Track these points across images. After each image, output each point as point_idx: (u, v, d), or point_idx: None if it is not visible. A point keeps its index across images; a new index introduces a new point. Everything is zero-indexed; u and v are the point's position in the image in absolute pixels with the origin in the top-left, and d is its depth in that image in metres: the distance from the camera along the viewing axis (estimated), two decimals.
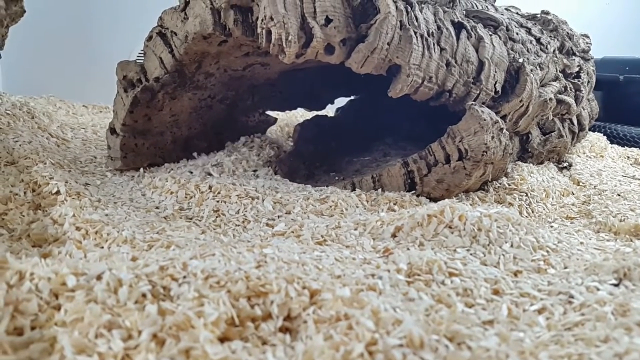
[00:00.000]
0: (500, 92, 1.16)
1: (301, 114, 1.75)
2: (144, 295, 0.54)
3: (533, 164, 1.32)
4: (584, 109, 1.58)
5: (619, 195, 1.17)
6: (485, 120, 1.01)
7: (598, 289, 0.63)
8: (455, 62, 1.06)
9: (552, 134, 1.34)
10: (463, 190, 1.08)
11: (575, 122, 1.53)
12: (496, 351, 0.47)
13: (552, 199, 1.17)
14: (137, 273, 0.56)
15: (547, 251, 0.73)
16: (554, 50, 1.40)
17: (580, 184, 1.31)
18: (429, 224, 0.76)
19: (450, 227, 0.74)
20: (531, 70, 1.22)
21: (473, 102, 1.03)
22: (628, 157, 1.62)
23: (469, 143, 1.02)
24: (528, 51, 1.26)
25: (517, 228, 0.75)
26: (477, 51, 1.11)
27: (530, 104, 1.19)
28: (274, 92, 1.26)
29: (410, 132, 1.39)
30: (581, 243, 0.83)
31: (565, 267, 0.70)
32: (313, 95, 1.37)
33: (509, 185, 1.16)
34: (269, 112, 1.34)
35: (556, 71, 1.36)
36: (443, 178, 1.04)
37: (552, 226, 0.97)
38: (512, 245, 0.72)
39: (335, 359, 0.45)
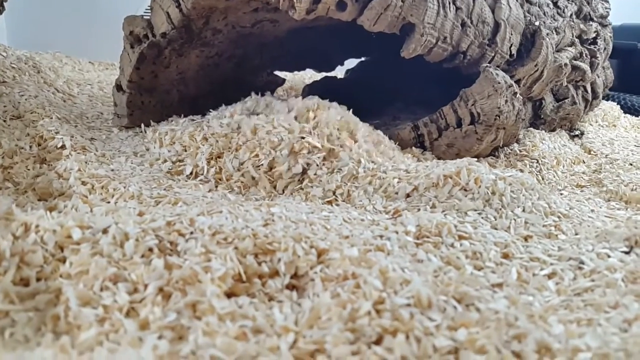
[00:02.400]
0: (515, 55, 1.13)
1: (310, 76, 1.72)
2: (150, 250, 0.53)
3: (545, 131, 1.30)
4: (598, 77, 1.55)
5: (631, 164, 1.15)
6: (499, 83, 0.99)
7: (609, 256, 0.62)
8: (471, 22, 1.03)
9: (566, 100, 1.32)
10: (473, 155, 1.06)
11: (589, 89, 1.49)
12: (505, 313, 0.46)
13: (563, 166, 1.15)
14: (143, 227, 0.56)
15: (559, 217, 0.72)
16: (571, 15, 1.35)
17: (592, 152, 1.29)
18: (444, 185, 0.75)
19: (465, 190, 0.73)
20: (547, 34, 1.18)
21: (488, 65, 1.01)
22: None
23: (481, 106, 1.00)
24: (544, 14, 1.22)
25: (530, 193, 0.73)
26: (493, 12, 1.07)
27: (545, 68, 1.16)
28: (282, 52, 1.23)
29: (421, 96, 1.36)
30: (592, 210, 0.82)
31: (576, 234, 0.69)
32: (323, 55, 1.34)
33: (520, 151, 1.15)
34: (277, 73, 1.32)
35: (572, 36, 1.32)
36: (454, 142, 1.03)
37: (562, 193, 0.96)
38: (524, 210, 0.71)
39: (343, 316, 0.45)
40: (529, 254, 0.61)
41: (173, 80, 1.09)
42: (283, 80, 1.32)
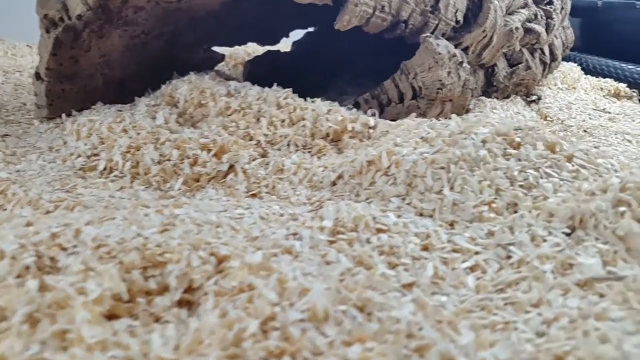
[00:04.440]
0: (462, 21, 1.07)
1: (253, 50, 1.63)
2: (27, 268, 0.48)
3: (498, 99, 1.25)
4: (556, 38, 1.50)
5: (585, 131, 1.12)
6: (440, 54, 0.93)
7: (545, 240, 0.58)
8: None
9: (520, 66, 1.27)
10: None
11: (547, 52, 1.44)
12: (408, 322, 0.42)
13: None
14: (23, 242, 0.50)
15: (497, 191, 0.67)
16: None
17: (548, 118, 1.25)
18: (367, 171, 0.70)
19: (386, 175, 0.68)
20: None
21: (428, 35, 0.95)
22: (601, 88, 1.56)
23: (423, 80, 0.94)
24: None
25: (460, 168, 0.68)
26: None
27: (494, 34, 1.11)
28: (218, 26, 1.16)
29: (371, 67, 1.30)
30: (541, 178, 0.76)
31: (515, 212, 0.64)
32: (265, 28, 1.27)
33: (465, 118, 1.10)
34: (216, 49, 1.24)
35: None
36: (396, 118, 0.97)
37: None
38: (452, 189, 0.66)
39: (227, 339, 0.40)
40: (451, 243, 0.57)
41: (96, 64, 1.02)
42: (222, 56, 1.25)
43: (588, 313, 0.46)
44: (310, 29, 1.41)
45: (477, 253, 0.56)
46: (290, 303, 0.43)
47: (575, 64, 1.66)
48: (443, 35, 1.06)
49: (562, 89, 1.49)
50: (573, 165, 0.71)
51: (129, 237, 0.51)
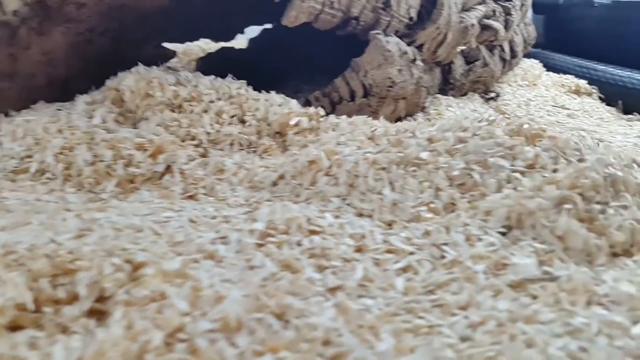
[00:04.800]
0: (415, 18, 1.06)
1: (209, 47, 1.59)
2: None
3: (455, 96, 1.24)
4: (517, 34, 1.50)
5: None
6: (389, 51, 0.91)
7: (480, 239, 0.57)
8: None
9: (476, 63, 1.26)
10: None
11: (507, 48, 1.44)
12: (326, 328, 0.40)
13: None
14: None
15: (437, 191, 0.65)
16: None
17: (505, 115, 1.24)
18: (309, 171, 0.68)
19: (328, 175, 0.67)
20: None
21: (377, 32, 0.93)
22: (563, 85, 1.56)
23: (373, 77, 0.93)
24: None
25: (402, 168, 0.67)
26: None
27: (449, 31, 1.10)
28: (168, 22, 1.13)
29: (329, 64, 1.28)
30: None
31: (453, 211, 0.63)
32: (219, 24, 1.24)
33: (424, 120, 1.09)
34: (168, 45, 1.21)
35: None
36: (348, 116, 0.95)
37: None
38: (392, 189, 0.64)
39: (130, 352, 0.38)
40: (386, 244, 0.55)
41: (37, 63, 0.98)
42: (174, 53, 1.21)
43: (517, 316, 0.44)
44: (268, 26, 1.38)
45: (411, 254, 0.54)
46: (202, 312, 0.41)
47: (537, 61, 1.67)
48: (396, 32, 1.04)
49: (522, 86, 1.49)
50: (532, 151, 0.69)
51: (41, 244, 0.48)
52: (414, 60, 1.02)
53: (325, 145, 0.71)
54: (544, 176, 0.63)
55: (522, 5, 1.52)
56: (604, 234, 0.56)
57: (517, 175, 0.66)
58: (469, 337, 0.42)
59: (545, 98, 1.39)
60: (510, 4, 1.37)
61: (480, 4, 1.24)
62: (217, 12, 1.23)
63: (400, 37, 1.05)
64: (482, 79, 1.30)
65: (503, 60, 1.44)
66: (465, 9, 1.19)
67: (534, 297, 0.48)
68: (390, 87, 0.93)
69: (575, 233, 0.56)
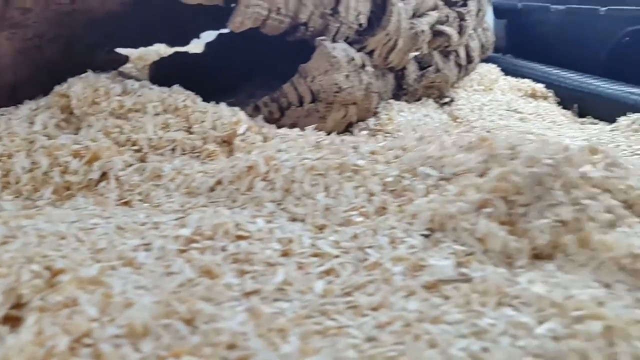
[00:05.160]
0: (365, 24, 1.07)
1: (165, 52, 1.58)
2: None
3: (409, 101, 1.26)
4: (473, 40, 1.52)
5: (488, 132, 1.13)
6: (335, 57, 0.93)
7: (403, 242, 0.58)
8: None
9: (429, 68, 1.28)
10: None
11: (462, 54, 1.47)
12: (233, 333, 0.41)
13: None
14: None
15: (370, 195, 0.66)
16: None
17: (458, 120, 1.27)
18: (246, 177, 0.69)
19: (265, 180, 0.67)
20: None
21: (323, 38, 0.95)
22: (519, 89, 1.59)
23: (320, 83, 0.94)
24: None
25: (338, 174, 0.68)
26: None
27: (399, 37, 1.12)
28: (121, 27, 1.13)
29: (284, 69, 1.29)
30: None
31: (382, 215, 0.64)
32: (174, 28, 1.24)
33: (375, 126, 1.10)
34: (122, 50, 1.21)
35: None
36: (297, 122, 0.97)
37: None
38: (327, 195, 0.65)
39: (36, 357, 0.38)
40: (314, 248, 0.56)
41: None
42: (126, 58, 1.21)
43: (425, 316, 0.46)
44: (225, 30, 1.39)
45: (336, 257, 0.55)
46: (110, 319, 0.42)
47: (495, 65, 1.70)
48: (347, 38, 1.06)
49: (478, 91, 1.51)
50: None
51: None
52: (363, 66, 1.03)
53: (266, 151, 0.72)
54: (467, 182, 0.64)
55: (479, 10, 1.55)
56: (525, 236, 0.59)
57: (444, 182, 0.68)
58: (375, 337, 0.43)
59: (500, 102, 1.41)
60: (464, 10, 1.40)
61: (432, 9, 1.26)
62: (172, 18, 1.23)
63: (351, 43, 1.06)
64: (435, 84, 1.32)
65: (459, 65, 1.46)
66: (417, 15, 1.21)
67: (446, 298, 0.49)
68: (337, 92, 0.94)
69: (494, 235, 0.57)
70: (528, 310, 0.47)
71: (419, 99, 1.31)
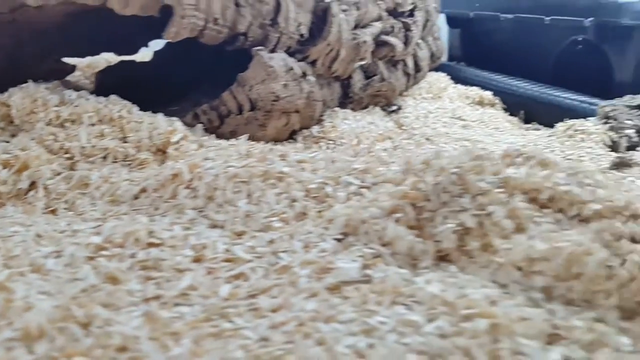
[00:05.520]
0: (307, 35, 1.10)
1: (114, 60, 1.58)
2: None
3: (355, 109, 1.29)
4: (421, 49, 1.56)
5: (427, 139, 1.17)
6: (272, 67, 0.95)
7: (316, 246, 0.60)
8: (246, 2, 0.98)
9: (375, 77, 1.31)
10: (265, 141, 1.02)
11: (410, 63, 1.51)
12: (125, 336, 0.43)
13: (365, 144, 1.15)
14: None
15: (292, 202, 0.69)
16: None
17: (403, 127, 1.30)
18: (170, 184, 0.70)
19: (189, 188, 0.69)
20: (344, 10, 1.16)
21: (260, 48, 0.97)
22: (467, 97, 1.63)
23: (258, 92, 0.96)
24: None
25: (262, 181, 0.70)
26: None
27: (341, 47, 1.15)
28: (66, 37, 1.13)
29: (233, 77, 1.31)
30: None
31: (301, 220, 0.66)
32: (121, 38, 1.25)
33: (318, 133, 1.13)
34: (70, 59, 1.22)
35: (380, 10, 1.31)
36: (236, 130, 0.99)
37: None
38: (249, 202, 0.67)
39: None
40: (227, 253, 0.58)
41: None
42: (73, 68, 1.22)
43: (320, 316, 0.48)
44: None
45: (248, 261, 0.57)
46: (9, 322, 0.43)
47: (445, 74, 1.74)
48: (289, 48, 1.08)
49: (426, 99, 1.55)
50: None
51: None
52: (304, 75, 1.06)
53: (192, 159, 0.74)
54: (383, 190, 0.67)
55: (427, 21, 1.59)
56: (431, 239, 0.61)
57: (364, 190, 0.70)
58: (267, 337, 0.45)
59: (446, 110, 1.45)
60: (411, 20, 1.44)
61: (376, 20, 1.30)
62: (119, 27, 1.24)
63: (293, 53, 1.09)
64: (381, 93, 1.35)
65: (407, 74, 1.50)
66: (360, 25, 1.25)
67: (346, 298, 0.52)
68: (275, 101, 0.96)
69: (401, 239, 0.60)
70: (420, 308, 0.50)
71: (365, 107, 1.34)
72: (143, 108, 0.96)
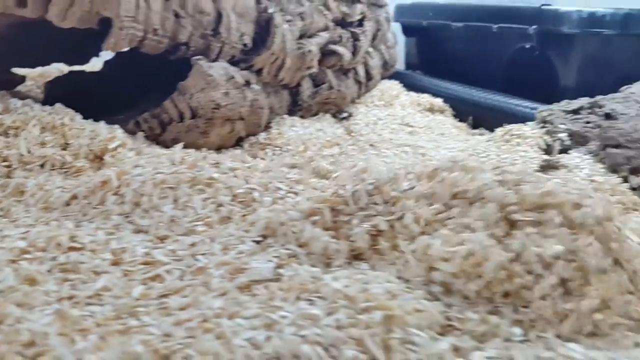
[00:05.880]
0: (250, 45, 1.13)
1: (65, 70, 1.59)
2: None
3: (305, 117, 1.32)
4: (372, 58, 1.61)
5: (371, 145, 1.21)
6: (211, 76, 0.98)
7: (235, 248, 0.63)
8: (186, 13, 1.01)
9: (323, 86, 1.35)
10: (209, 148, 1.05)
11: (361, 72, 1.55)
12: (33, 332, 0.45)
13: (311, 151, 1.18)
14: None
15: (217, 207, 0.71)
16: None
17: (352, 134, 1.34)
18: (99, 191, 0.72)
19: (117, 194, 0.72)
20: (289, 21, 1.20)
21: (199, 57, 1.00)
22: (419, 104, 1.68)
23: (198, 100, 0.99)
24: (286, 1, 1.23)
25: (190, 187, 0.73)
26: (214, 1, 1.06)
27: (286, 56, 1.18)
28: (12, 48, 1.15)
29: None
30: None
31: (224, 224, 0.69)
32: (71, 48, 1.26)
33: (265, 140, 1.16)
34: (19, 70, 1.23)
35: (327, 20, 1.35)
36: (178, 137, 1.01)
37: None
38: (175, 207, 0.70)
39: None
40: (147, 257, 0.61)
41: None
42: (22, 78, 1.23)
43: (224, 313, 0.51)
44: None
45: (165, 264, 0.60)
46: None
47: (398, 82, 1.79)
48: (233, 57, 1.11)
49: (378, 106, 1.59)
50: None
51: None
52: (247, 84, 1.09)
53: (123, 166, 0.76)
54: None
55: (378, 30, 1.64)
56: (346, 240, 0.65)
57: (292, 195, 0.74)
58: (170, 333, 0.48)
59: (395, 117, 1.49)
60: (360, 30, 1.48)
61: (323, 30, 1.33)
62: (69, 37, 1.25)
63: (238, 62, 1.12)
64: (331, 100, 1.39)
65: (358, 82, 1.54)
66: (307, 35, 1.28)
67: (254, 296, 0.54)
68: (216, 109, 0.99)
69: (317, 239, 0.63)
70: (322, 303, 0.53)
71: (315, 114, 1.37)
72: (92, 117, 0.98)
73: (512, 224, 0.61)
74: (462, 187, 0.65)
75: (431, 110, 1.66)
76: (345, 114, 1.45)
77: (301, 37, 1.26)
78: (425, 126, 1.47)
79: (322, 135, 1.26)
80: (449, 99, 1.70)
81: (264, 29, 1.15)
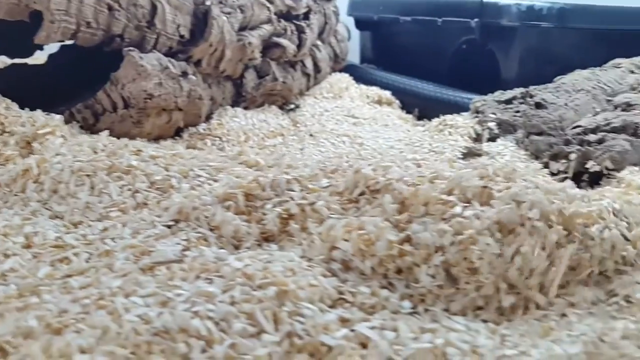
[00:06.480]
0: (188, 36, 1.15)
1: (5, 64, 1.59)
2: None
3: (249, 108, 1.34)
4: (320, 51, 1.63)
5: (311, 135, 1.24)
6: (143, 66, 0.99)
7: (145, 232, 0.65)
8: (120, 6, 1.02)
9: (267, 77, 1.37)
10: (144, 138, 1.06)
11: (309, 64, 1.57)
12: None
13: (253, 141, 1.21)
14: None
15: (134, 193, 0.73)
16: None
17: (298, 125, 1.36)
18: (21, 179, 0.74)
19: (36, 182, 0.73)
20: (228, 13, 1.22)
21: (131, 49, 1.01)
22: (368, 96, 1.71)
23: (130, 90, 1.00)
24: None
25: (107, 174, 0.75)
26: None
27: (225, 48, 1.20)
28: None
29: None
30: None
31: (139, 209, 0.71)
32: (13, 40, 1.26)
33: (205, 130, 1.18)
34: None
35: (269, 13, 1.37)
36: (112, 127, 1.02)
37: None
38: (91, 194, 0.72)
39: None
40: (58, 240, 0.63)
41: None
42: None
43: (121, 291, 0.53)
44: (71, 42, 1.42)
45: (74, 247, 0.62)
46: None
47: (348, 74, 1.82)
48: (170, 48, 1.13)
49: (327, 98, 1.62)
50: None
51: None
52: (184, 74, 1.11)
53: (42, 155, 0.77)
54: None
55: (325, 24, 1.67)
56: (258, 223, 0.67)
57: (211, 182, 0.76)
58: (66, 309, 0.50)
59: (342, 109, 1.52)
60: (305, 23, 1.51)
61: (266, 23, 1.36)
62: (10, 30, 1.25)
63: (175, 53, 1.14)
64: (276, 92, 1.41)
65: (307, 74, 1.57)
66: (249, 27, 1.30)
67: (155, 276, 0.57)
68: (148, 99, 1.00)
69: (228, 223, 0.66)
70: (220, 282, 0.55)
71: (260, 106, 1.39)
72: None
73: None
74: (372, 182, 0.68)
75: (379, 102, 1.69)
76: (292, 106, 1.48)
77: (243, 29, 1.28)
78: (370, 117, 1.51)
79: (266, 126, 1.29)
80: (396, 91, 1.74)
81: (201, 21, 1.16)
